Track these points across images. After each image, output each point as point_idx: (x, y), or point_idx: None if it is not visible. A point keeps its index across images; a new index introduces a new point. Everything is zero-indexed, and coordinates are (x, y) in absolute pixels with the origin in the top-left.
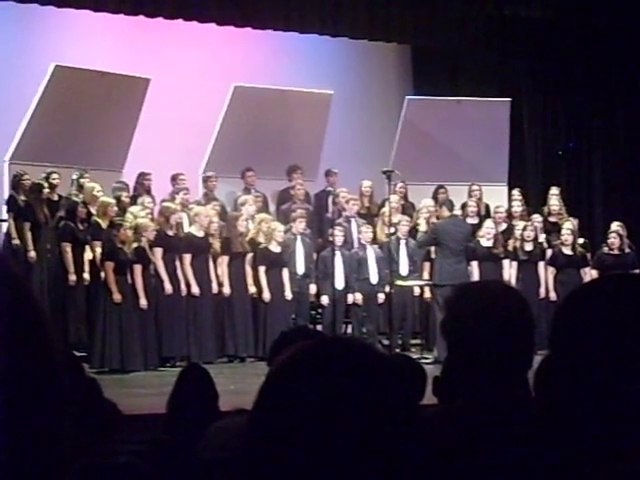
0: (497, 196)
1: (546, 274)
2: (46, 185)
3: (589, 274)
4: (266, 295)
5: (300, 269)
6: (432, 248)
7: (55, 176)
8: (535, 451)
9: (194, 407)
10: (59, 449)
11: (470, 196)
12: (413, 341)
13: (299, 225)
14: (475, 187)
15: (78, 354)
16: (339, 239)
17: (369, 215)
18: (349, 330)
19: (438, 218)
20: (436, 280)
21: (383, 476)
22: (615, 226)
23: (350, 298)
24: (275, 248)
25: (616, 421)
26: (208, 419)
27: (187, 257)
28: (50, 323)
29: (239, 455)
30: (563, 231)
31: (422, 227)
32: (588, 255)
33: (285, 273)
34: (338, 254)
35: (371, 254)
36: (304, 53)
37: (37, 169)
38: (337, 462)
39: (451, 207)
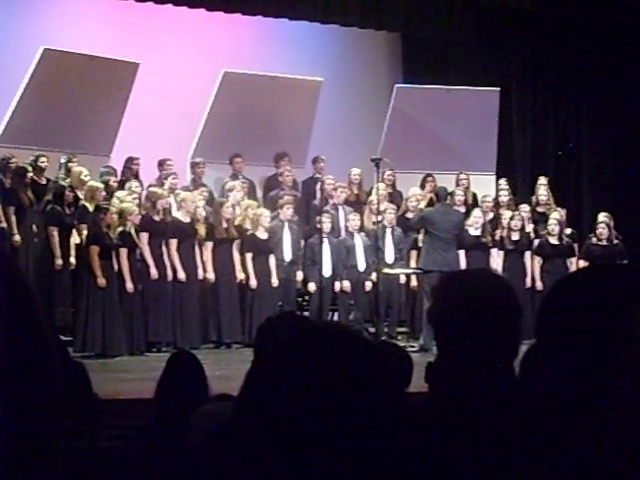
0: (485, 185)
1: (532, 264)
2: (30, 169)
3: (575, 264)
4: (253, 282)
5: (287, 256)
6: (420, 237)
7: (43, 159)
8: (521, 439)
9: (183, 393)
10: (51, 431)
11: (458, 185)
12: (399, 329)
13: (287, 212)
14: (463, 176)
15: (64, 338)
16: (326, 226)
17: (358, 203)
18: (336, 317)
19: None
20: (422, 265)
21: (370, 461)
22: (602, 217)
23: (337, 286)
24: (262, 235)
25: (603, 409)
26: (198, 405)
27: (173, 242)
28: (39, 303)
29: (224, 439)
30: (550, 221)
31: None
32: (575, 245)
33: (272, 260)
34: (326, 241)
35: (359, 242)
36: (294, 40)
37: (25, 152)
38: (323, 447)
39: (445, 195)
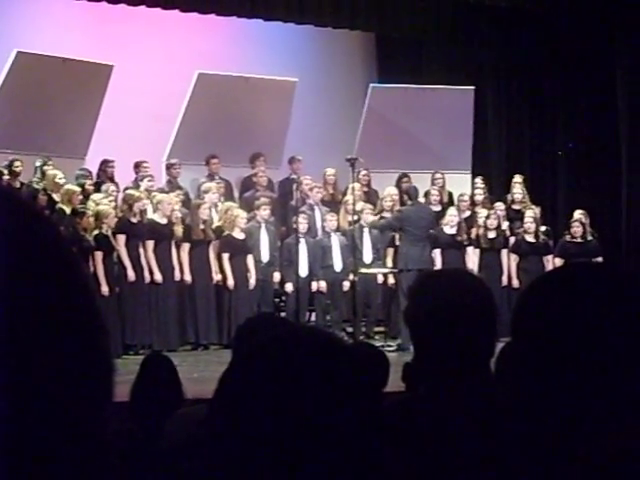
0: (461, 184)
1: (509, 262)
2: (6, 172)
3: (551, 262)
4: (230, 282)
5: (264, 257)
6: (397, 235)
7: (18, 164)
8: (497, 438)
9: (157, 396)
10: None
11: (433, 184)
12: (377, 329)
13: (263, 212)
14: (438, 175)
15: None
16: (303, 227)
17: (333, 203)
18: (313, 318)
19: (403, 204)
20: (401, 265)
21: (345, 463)
22: (578, 214)
23: (314, 286)
24: (239, 235)
25: (577, 407)
26: (171, 407)
27: (150, 244)
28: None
29: (200, 443)
30: (526, 219)
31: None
32: (550, 242)
33: (250, 260)
34: (302, 242)
35: (335, 242)
36: (268, 40)
37: None
38: (298, 450)
39: (416, 194)
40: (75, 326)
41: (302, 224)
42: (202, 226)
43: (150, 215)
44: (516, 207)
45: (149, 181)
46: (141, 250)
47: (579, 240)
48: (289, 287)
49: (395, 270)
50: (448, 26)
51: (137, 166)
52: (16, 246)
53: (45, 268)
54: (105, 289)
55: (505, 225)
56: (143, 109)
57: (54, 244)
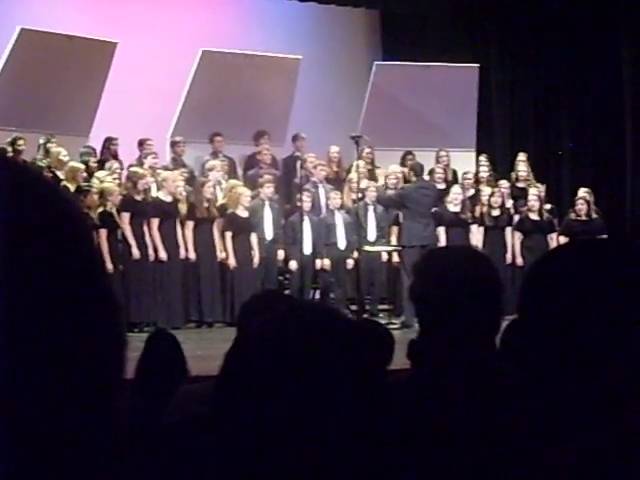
0: (465, 162)
1: (513, 240)
2: (9, 150)
3: (555, 240)
4: (232, 261)
5: (268, 234)
6: (400, 213)
7: (21, 142)
8: (502, 414)
9: (161, 373)
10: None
11: (438, 162)
12: (381, 307)
13: (267, 190)
14: (443, 153)
15: None
16: (307, 204)
17: (337, 180)
18: (317, 296)
19: (406, 182)
20: (404, 241)
21: (350, 440)
22: (582, 192)
23: (318, 264)
24: (242, 213)
25: (582, 384)
26: (176, 385)
27: (155, 222)
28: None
29: (205, 420)
30: (530, 197)
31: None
32: (555, 221)
33: (253, 238)
34: (306, 219)
35: (339, 220)
36: (272, 18)
37: (2, 134)
38: (302, 429)
39: (421, 170)
40: (87, 298)
41: (306, 202)
42: (206, 204)
43: (155, 193)
44: (520, 185)
45: (153, 158)
46: (145, 228)
47: (584, 218)
48: (293, 265)
49: (399, 248)
50: (453, 3)
51: (141, 144)
52: (28, 217)
53: (57, 240)
54: (109, 267)
55: (509, 203)
56: (147, 86)
57: (69, 216)
